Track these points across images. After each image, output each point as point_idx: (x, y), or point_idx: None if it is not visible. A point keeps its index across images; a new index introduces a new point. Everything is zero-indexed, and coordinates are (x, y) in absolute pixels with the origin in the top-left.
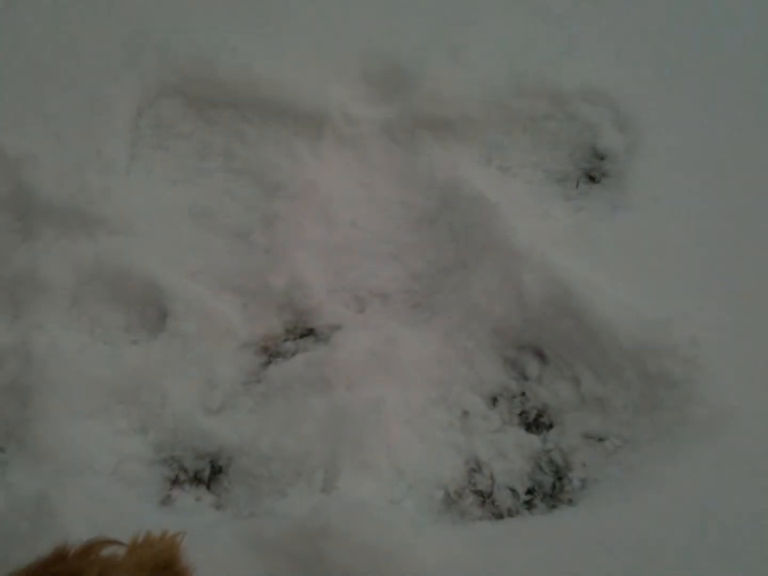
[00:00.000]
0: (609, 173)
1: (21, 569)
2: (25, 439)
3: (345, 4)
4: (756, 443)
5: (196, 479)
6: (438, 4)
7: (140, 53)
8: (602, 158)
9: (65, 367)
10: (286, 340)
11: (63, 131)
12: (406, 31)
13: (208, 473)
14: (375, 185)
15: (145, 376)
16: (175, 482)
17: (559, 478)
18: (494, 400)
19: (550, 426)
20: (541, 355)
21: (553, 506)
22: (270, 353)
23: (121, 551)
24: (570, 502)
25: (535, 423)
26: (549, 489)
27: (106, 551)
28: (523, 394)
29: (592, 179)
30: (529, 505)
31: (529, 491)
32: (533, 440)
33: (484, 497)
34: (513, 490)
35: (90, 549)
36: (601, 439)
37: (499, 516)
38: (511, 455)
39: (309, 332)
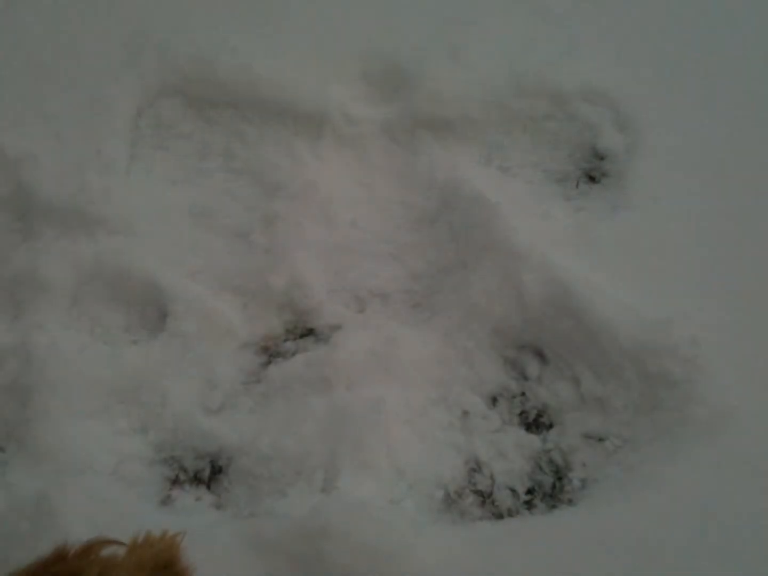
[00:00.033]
0: (609, 173)
1: (21, 569)
2: (25, 439)
3: (345, 4)
4: (756, 443)
5: (196, 479)
6: (438, 4)
7: (140, 53)
8: (602, 158)
9: (65, 367)
10: (286, 340)
11: (63, 131)
12: (406, 31)
13: (208, 473)
14: (375, 185)
15: (145, 376)
16: (175, 482)
17: (559, 478)
18: (494, 400)
19: (550, 426)
20: (541, 355)
21: (553, 506)
22: (270, 353)
23: (121, 551)
24: (570, 502)
25: (535, 423)
26: (549, 489)
27: (106, 551)
28: (523, 394)
29: (592, 179)
30: (529, 505)
31: (529, 491)
32: (533, 440)
33: (484, 497)
34: (513, 490)
35: (90, 549)
36: (601, 439)
37: (499, 516)
38: (511, 455)
39: (309, 332)
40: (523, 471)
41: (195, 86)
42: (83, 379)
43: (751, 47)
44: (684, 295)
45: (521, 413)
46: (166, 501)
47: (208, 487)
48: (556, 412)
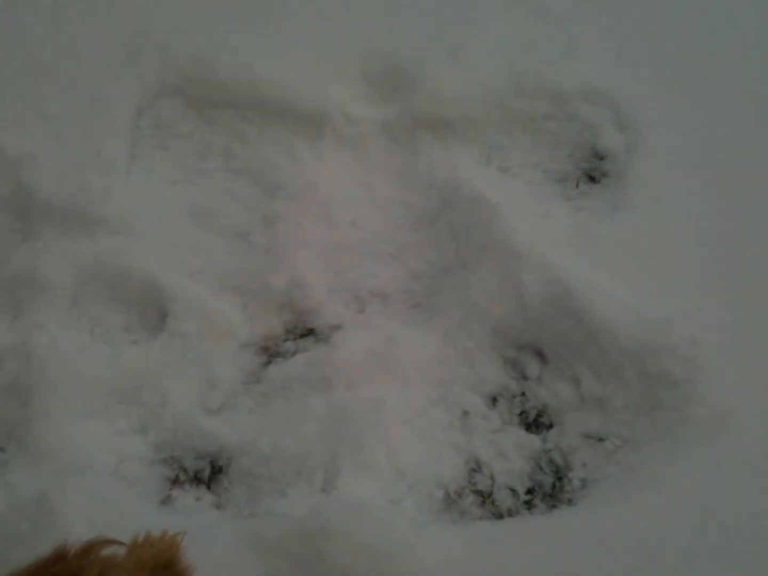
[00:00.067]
0: (609, 173)
1: (21, 569)
2: (25, 439)
3: (345, 4)
4: (756, 443)
5: (196, 479)
6: (438, 4)
7: (140, 53)
8: (602, 158)
9: (65, 367)
10: (286, 340)
11: (63, 131)
12: (406, 31)
13: (208, 473)
14: (375, 185)
15: (145, 376)
16: (175, 482)
17: (559, 478)
18: (494, 400)
19: (550, 426)
20: (541, 355)
21: (553, 506)
22: (270, 353)
23: (121, 551)
24: (570, 502)
25: (535, 423)
26: (549, 489)
27: (106, 551)
28: (523, 394)
29: (592, 179)
30: (529, 505)
31: (529, 491)
32: (533, 440)
33: (484, 497)
34: (513, 490)
35: (90, 549)
36: (601, 439)
37: (499, 516)
38: (511, 455)
39: (309, 332)
40: (523, 471)
41: (195, 86)
42: (83, 379)
43: (751, 47)
44: (684, 295)
45: (521, 413)
46: (166, 501)
47: (208, 487)
48: (556, 412)
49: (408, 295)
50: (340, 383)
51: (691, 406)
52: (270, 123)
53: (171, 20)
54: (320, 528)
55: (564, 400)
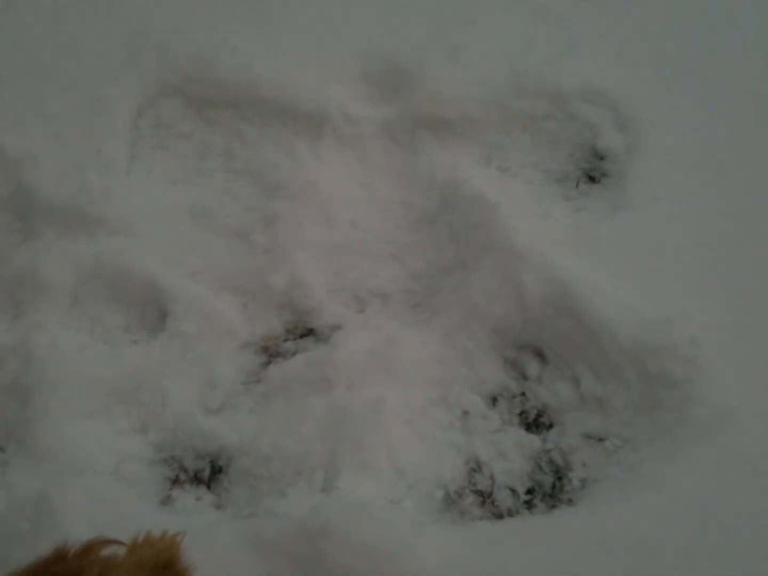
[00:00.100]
0: (609, 173)
1: (21, 569)
2: (25, 439)
3: (345, 4)
4: (756, 443)
5: (196, 479)
6: (438, 4)
7: (140, 53)
8: (602, 158)
9: (65, 367)
10: (286, 340)
11: (63, 131)
12: (406, 31)
13: (208, 473)
14: (375, 185)
15: (145, 376)
16: (175, 482)
17: (559, 478)
18: (494, 400)
19: (550, 426)
20: (541, 355)
21: (553, 506)
22: (270, 353)
23: (121, 551)
24: (570, 502)
25: (535, 423)
26: (549, 489)
27: (106, 551)
28: (523, 394)
29: (592, 179)
30: (529, 505)
31: (529, 491)
32: (533, 440)
33: (484, 497)
34: (513, 490)
35: (90, 549)
36: (601, 439)
37: (499, 516)
38: (511, 455)
39: (309, 332)
40: (523, 471)
41: (195, 86)
42: (83, 379)
43: (751, 47)
44: (684, 295)
45: (521, 413)
46: (166, 501)
47: (208, 487)
48: (556, 412)
49: (408, 295)
50: (340, 383)
51: (691, 406)
52: (270, 123)
53: (171, 20)
54: (320, 528)
55: (564, 400)
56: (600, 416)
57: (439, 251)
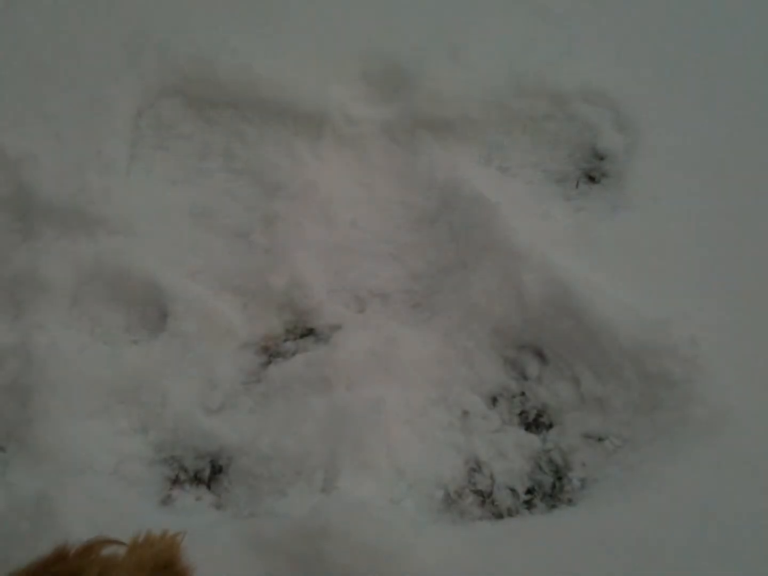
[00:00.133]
0: (609, 173)
1: (21, 569)
2: (26, 438)
3: (345, 4)
4: (756, 443)
5: (197, 479)
6: (438, 4)
7: (140, 53)
8: (602, 158)
9: (65, 367)
10: (286, 340)
11: (63, 131)
12: (406, 31)
13: (209, 473)
14: (375, 185)
15: (146, 376)
16: (175, 482)
17: (559, 478)
18: (494, 400)
19: (550, 426)
20: (541, 355)
21: (553, 506)
22: (270, 353)
23: (121, 551)
24: (570, 502)
25: (535, 423)
26: (549, 489)
27: (107, 551)
28: (523, 394)
29: (592, 179)
30: (529, 505)
31: (529, 491)
32: (533, 440)
33: (484, 497)
34: (513, 490)
35: (90, 549)
36: (601, 439)
37: (499, 516)
38: (511, 455)
39: (309, 332)
40: (523, 471)
41: (195, 86)
42: (83, 379)
43: (751, 47)
44: (684, 295)
45: (521, 413)
46: (166, 501)
47: (208, 487)
48: (556, 412)
49: (408, 295)
50: (340, 383)
51: (691, 406)
52: (270, 123)
53: (171, 20)
54: (320, 528)
55: (564, 400)
56: (600, 416)
57: (439, 251)
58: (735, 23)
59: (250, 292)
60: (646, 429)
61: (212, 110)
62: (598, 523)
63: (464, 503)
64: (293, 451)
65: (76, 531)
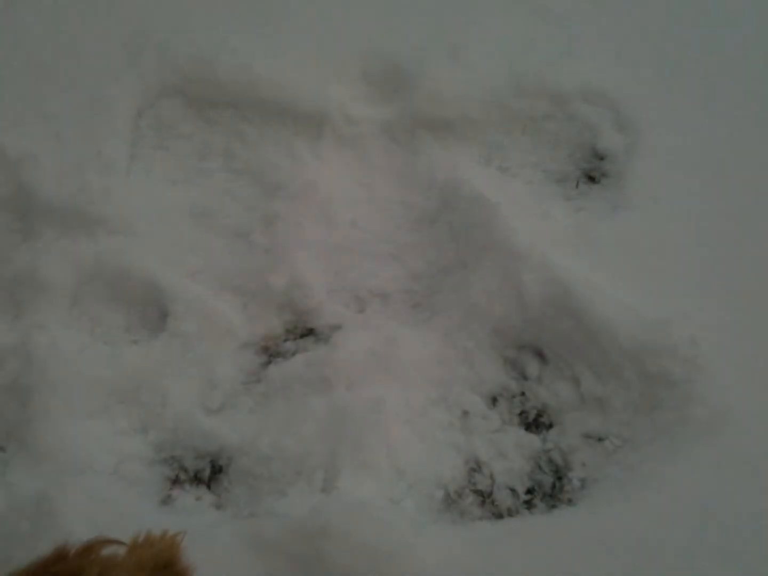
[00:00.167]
0: (609, 173)
1: (21, 569)
2: (26, 438)
3: (345, 4)
4: (756, 443)
5: (197, 479)
6: (438, 4)
7: (140, 53)
8: (602, 158)
9: (65, 367)
10: (286, 340)
11: (63, 131)
12: (406, 31)
13: (209, 473)
14: (375, 185)
15: (146, 376)
16: (175, 482)
17: (559, 478)
18: (494, 400)
19: (550, 426)
20: (541, 355)
21: (553, 506)
22: (270, 353)
23: (121, 551)
24: (570, 502)
25: (535, 423)
26: (549, 489)
27: (107, 551)
28: (523, 394)
29: (592, 179)
30: (529, 504)
31: (529, 491)
32: (533, 440)
33: (484, 497)
34: (513, 490)
35: (90, 549)
36: (600, 439)
37: (499, 516)
38: (511, 455)
39: (309, 332)
40: (523, 471)
41: (195, 86)
42: (83, 379)
43: (751, 47)
44: (684, 295)
45: (521, 413)
46: (166, 501)
47: (208, 487)
48: (556, 412)
49: (408, 295)
50: (340, 383)
51: (691, 406)
52: (270, 123)
53: (171, 20)
54: (320, 528)
55: (564, 400)
56: (600, 416)
57: (439, 251)
58: (735, 23)
59: (250, 292)
60: (646, 429)
61: (212, 110)
62: (598, 523)
63: (464, 503)
64: (293, 451)
65: (76, 531)
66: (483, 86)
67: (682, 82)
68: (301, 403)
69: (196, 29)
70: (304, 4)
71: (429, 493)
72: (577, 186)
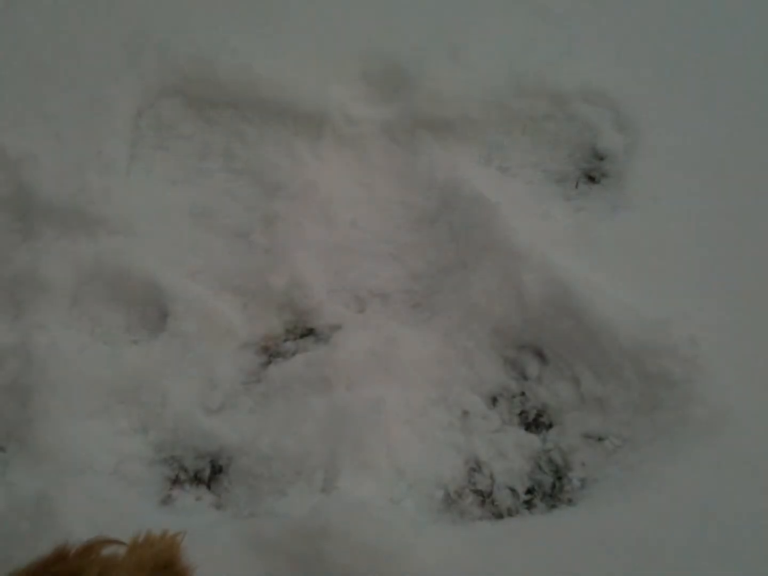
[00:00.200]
0: (609, 173)
1: (21, 569)
2: (26, 438)
3: (345, 4)
4: (756, 443)
5: (197, 479)
6: (438, 4)
7: (140, 53)
8: (602, 158)
9: (65, 367)
10: (286, 340)
11: (63, 131)
12: (406, 31)
13: (209, 473)
14: (375, 185)
15: (146, 376)
16: (175, 482)
17: (559, 478)
18: (494, 400)
19: (550, 426)
20: (541, 355)
21: (553, 506)
22: (270, 353)
23: (121, 551)
24: (570, 501)
25: (535, 423)
26: (549, 489)
27: (107, 551)
28: (523, 394)
29: (591, 179)
30: (529, 504)
31: (529, 491)
32: (533, 440)
33: (484, 497)
34: (513, 490)
35: (90, 549)
36: (600, 439)
37: (499, 516)
38: (511, 455)
39: (309, 332)
40: (523, 471)
41: (195, 86)
42: (83, 379)
43: (751, 47)
44: (684, 295)
45: (521, 413)
46: (166, 501)
47: (208, 487)
48: (556, 412)
49: (408, 295)
50: (340, 383)
51: (691, 406)
52: (270, 123)
53: (171, 20)
54: (320, 528)
55: (564, 400)
56: (600, 416)
57: (439, 251)
58: (735, 23)
59: (250, 292)
60: (646, 429)
61: (212, 110)
62: (598, 523)
63: (464, 503)
64: (293, 451)
65: (76, 531)
66: (483, 86)
67: (682, 82)
68: (301, 403)
69: (196, 29)
70: (304, 4)
71: (429, 493)
72: (577, 186)
